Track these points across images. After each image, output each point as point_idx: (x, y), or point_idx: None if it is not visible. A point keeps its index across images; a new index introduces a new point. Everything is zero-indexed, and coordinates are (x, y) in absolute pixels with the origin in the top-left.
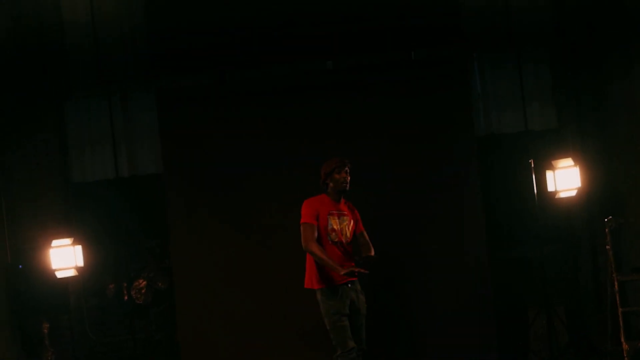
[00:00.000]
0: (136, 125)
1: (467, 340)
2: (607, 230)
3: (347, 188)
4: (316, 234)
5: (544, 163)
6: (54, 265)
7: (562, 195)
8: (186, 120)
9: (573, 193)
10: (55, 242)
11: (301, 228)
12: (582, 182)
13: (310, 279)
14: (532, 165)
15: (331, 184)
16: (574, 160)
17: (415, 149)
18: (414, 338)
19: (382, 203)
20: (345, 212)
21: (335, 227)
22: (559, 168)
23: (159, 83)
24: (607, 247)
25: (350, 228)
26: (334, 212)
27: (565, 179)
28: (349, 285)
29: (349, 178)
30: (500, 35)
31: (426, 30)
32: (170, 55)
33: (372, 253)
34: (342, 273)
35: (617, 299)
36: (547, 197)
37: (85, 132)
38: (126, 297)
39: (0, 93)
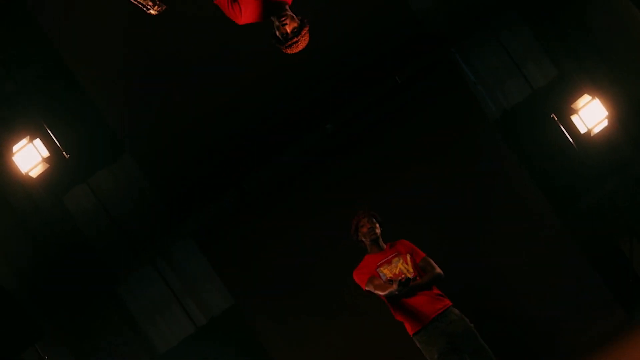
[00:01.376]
0: (189, 272)
1: (584, 311)
2: None
3: (378, 233)
4: (379, 281)
5: (566, 110)
6: None
7: (597, 130)
8: (231, 244)
9: (605, 123)
10: None
11: (371, 292)
12: (608, 109)
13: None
14: (556, 119)
15: (364, 240)
16: (590, 93)
17: (445, 162)
18: (536, 337)
19: (440, 224)
20: (394, 254)
21: (390, 275)
22: (581, 108)
23: (189, 226)
24: None
25: (409, 263)
26: (381, 262)
27: (591, 114)
28: (440, 320)
29: (377, 224)
30: (465, 18)
31: (398, 51)
32: (185, 195)
33: (429, 276)
34: (396, 288)
35: None
36: (585, 139)
37: (148, 304)
38: None
39: (55, 311)
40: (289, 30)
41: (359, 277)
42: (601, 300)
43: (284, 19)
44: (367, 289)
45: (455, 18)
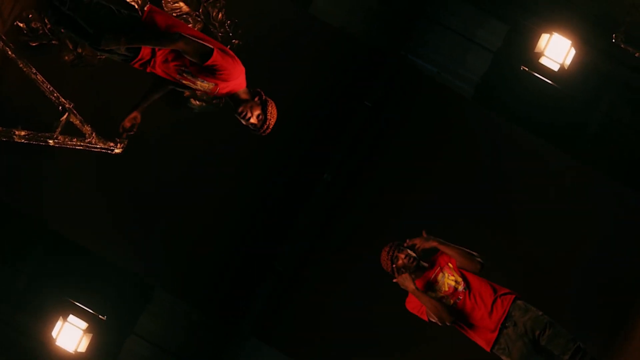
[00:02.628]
0: None
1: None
2: (623, 46)
3: (413, 263)
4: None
5: (533, 57)
6: None
7: (568, 61)
8: (290, 324)
9: (573, 51)
10: None
11: (432, 317)
12: (569, 37)
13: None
14: (527, 69)
15: (405, 272)
16: (546, 31)
17: (448, 158)
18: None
19: (472, 217)
20: (437, 270)
21: (441, 293)
22: (544, 48)
23: (245, 326)
24: (637, 54)
25: (455, 273)
26: (429, 284)
27: (556, 50)
28: (506, 325)
29: (408, 250)
30: (397, 22)
31: (357, 78)
32: (227, 300)
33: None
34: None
35: None
36: (562, 74)
37: None
38: None
39: None
40: (255, 121)
41: (415, 310)
42: None
43: (242, 114)
44: (430, 320)
45: (391, 24)
